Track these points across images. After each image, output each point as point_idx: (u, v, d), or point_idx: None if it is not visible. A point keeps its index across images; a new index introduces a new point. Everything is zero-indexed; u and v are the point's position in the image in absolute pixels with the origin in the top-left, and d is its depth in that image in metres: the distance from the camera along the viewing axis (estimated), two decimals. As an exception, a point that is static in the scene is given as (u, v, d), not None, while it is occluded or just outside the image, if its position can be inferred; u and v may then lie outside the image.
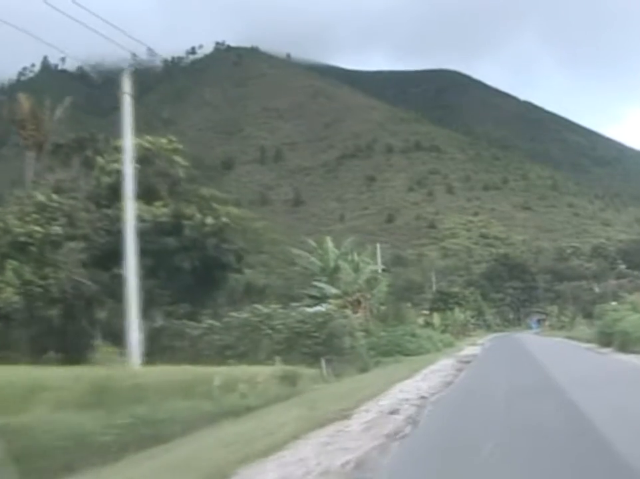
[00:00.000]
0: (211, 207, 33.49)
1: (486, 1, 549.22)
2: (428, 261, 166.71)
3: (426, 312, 79.57)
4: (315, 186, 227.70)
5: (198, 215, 32.12)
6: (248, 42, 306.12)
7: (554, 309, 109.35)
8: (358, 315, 42.50)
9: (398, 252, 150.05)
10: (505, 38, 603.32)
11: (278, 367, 23.46)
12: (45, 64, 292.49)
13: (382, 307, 45.79)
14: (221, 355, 30.91)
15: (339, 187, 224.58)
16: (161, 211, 31.06)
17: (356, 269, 44.03)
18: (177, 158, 33.80)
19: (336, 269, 44.07)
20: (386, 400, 17.89)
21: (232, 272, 35.15)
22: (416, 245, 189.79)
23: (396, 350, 40.49)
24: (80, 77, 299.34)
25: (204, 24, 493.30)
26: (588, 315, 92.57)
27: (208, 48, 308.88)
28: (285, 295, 44.09)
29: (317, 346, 30.25)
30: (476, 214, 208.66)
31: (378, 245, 59.83)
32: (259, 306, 31.90)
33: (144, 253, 31.84)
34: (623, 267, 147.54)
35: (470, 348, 49.59)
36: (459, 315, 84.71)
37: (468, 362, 33.72)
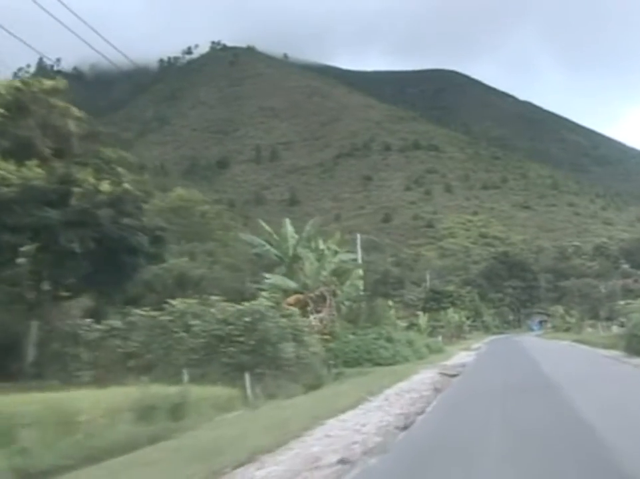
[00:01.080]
0: (114, 171, 24.77)
1: (484, 0, 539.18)
2: (425, 260, 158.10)
3: (419, 312, 70.88)
4: (310, 186, 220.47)
5: (91, 180, 23.40)
6: (245, 42, 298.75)
7: (558, 309, 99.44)
8: (322, 314, 33.83)
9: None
10: (504, 38, 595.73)
11: (143, 390, 14.79)
12: (41, 65, 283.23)
13: (354, 305, 37.23)
14: (124, 367, 22.66)
15: (335, 187, 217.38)
16: (35, 172, 22.32)
17: (321, 258, 35.38)
18: (64, 105, 25.04)
19: (295, 258, 35.43)
20: (280, 465, 9.59)
21: (147, 258, 26.37)
22: (413, 245, 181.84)
23: (366, 358, 32.02)
24: (76, 77, 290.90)
25: (201, 25, 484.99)
26: (595, 316, 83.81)
27: (204, 48, 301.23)
28: (234, 289, 35.24)
29: (243, 356, 21.71)
30: (475, 213, 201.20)
31: (358, 235, 50.90)
32: (173, 301, 23.21)
33: (13, 229, 23.17)
34: (626, 266, 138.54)
35: (461, 355, 41.00)
36: (453, 315, 75.61)
37: (454, 375, 25.24)
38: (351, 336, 33.33)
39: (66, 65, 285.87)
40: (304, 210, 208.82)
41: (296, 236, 36.24)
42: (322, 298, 34.43)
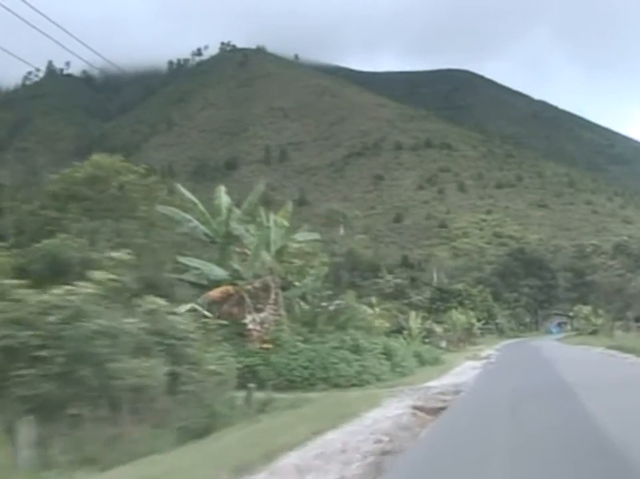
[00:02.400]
0: None
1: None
2: (436, 260, 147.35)
3: (426, 314, 60.43)
4: (320, 186, 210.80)
5: None
6: (255, 44, 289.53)
7: (581, 309, 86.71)
8: (264, 314, 23.63)
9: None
10: (517, 36, 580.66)
11: None
12: (50, 69, 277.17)
13: (315, 300, 27.15)
14: None
15: (345, 187, 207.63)
16: None
17: (265, 238, 25.27)
18: None
19: (230, 237, 25.31)
20: None
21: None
22: (426, 246, 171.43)
23: (320, 376, 21.86)
24: (86, 81, 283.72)
25: (212, 27, 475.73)
26: (622, 317, 72.75)
27: (214, 49, 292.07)
28: (146, 280, 25.05)
29: (47, 383, 11.64)
30: (489, 212, 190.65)
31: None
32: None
33: None
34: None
35: (464, 368, 30.79)
36: (459, 317, 64.63)
37: (438, 409, 15.01)
38: (301, 345, 23.16)
39: (76, 69, 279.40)
40: (314, 211, 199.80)
41: (236, 210, 26.08)
42: (265, 291, 24.25)
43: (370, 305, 40.80)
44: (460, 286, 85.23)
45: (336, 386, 21.56)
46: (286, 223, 27.37)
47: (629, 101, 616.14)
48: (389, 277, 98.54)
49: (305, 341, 23.40)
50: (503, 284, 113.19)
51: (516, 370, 27.13)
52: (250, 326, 23.18)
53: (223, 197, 26.29)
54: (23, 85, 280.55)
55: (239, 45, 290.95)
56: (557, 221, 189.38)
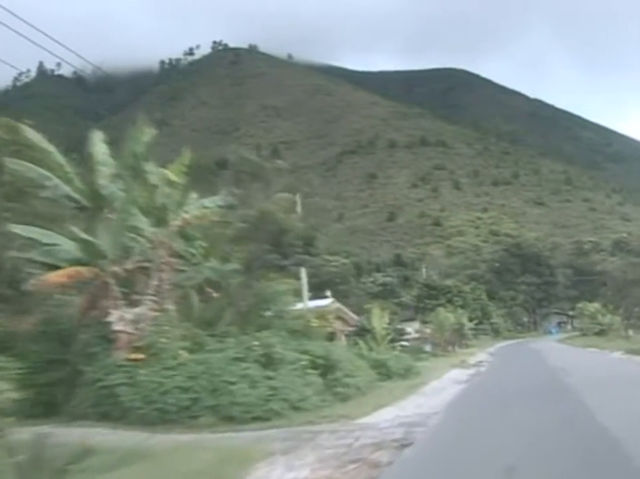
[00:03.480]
0: None
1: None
2: (430, 259, 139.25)
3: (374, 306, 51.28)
4: (312, 185, 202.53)
5: None
6: (248, 43, 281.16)
7: (586, 306, 76.76)
8: (139, 309, 15.45)
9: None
10: (514, 35, 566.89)
11: None
12: (41, 70, 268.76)
13: (215, 294, 19.20)
14: None
15: (338, 186, 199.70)
16: None
17: (148, 199, 17.30)
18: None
19: (98, 198, 17.22)
20: None
21: None
22: (420, 244, 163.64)
23: (206, 404, 13.66)
24: (77, 82, 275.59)
25: (204, 27, 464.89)
26: (629, 316, 64.26)
27: (206, 49, 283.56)
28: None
29: None
30: (485, 210, 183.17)
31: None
32: None
33: None
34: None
35: (444, 381, 22.64)
36: (447, 316, 55.50)
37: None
38: (185, 356, 15.09)
39: (67, 70, 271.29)
40: (304, 211, 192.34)
41: (111, 160, 17.98)
42: (144, 277, 16.19)
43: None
44: (449, 282, 76.53)
45: (230, 419, 13.58)
46: (175, 178, 19.41)
47: (626, 99, 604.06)
48: (378, 275, 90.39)
49: (194, 349, 15.44)
50: (498, 281, 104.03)
51: (514, 389, 18.83)
52: (117, 326, 15.16)
53: (97, 145, 18.22)
54: (14, 86, 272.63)
55: (232, 45, 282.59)
56: (554, 219, 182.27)
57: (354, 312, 40.95)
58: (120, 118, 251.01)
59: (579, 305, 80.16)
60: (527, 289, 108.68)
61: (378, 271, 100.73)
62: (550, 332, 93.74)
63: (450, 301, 64.83)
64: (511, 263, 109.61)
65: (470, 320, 64.82)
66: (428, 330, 54.29)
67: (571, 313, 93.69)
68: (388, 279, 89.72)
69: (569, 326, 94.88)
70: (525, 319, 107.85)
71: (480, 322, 72.72)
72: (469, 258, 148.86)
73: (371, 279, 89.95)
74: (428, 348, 40.14)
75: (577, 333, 74.65)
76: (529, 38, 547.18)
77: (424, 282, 76.57)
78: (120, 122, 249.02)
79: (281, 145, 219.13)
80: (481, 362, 35.10)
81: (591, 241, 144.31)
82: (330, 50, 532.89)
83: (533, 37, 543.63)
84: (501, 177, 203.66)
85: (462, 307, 64.55)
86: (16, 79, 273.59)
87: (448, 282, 76.80)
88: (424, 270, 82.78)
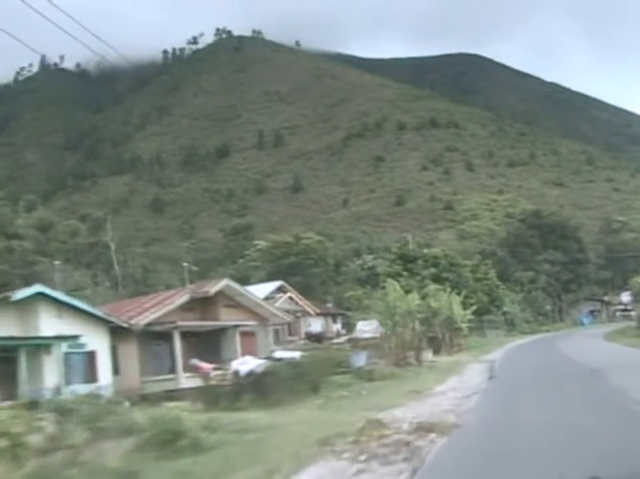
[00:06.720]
0: None
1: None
2: (439, 243, 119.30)
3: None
4: (316, 171, 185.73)
5: None
6: (252, 29, 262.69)
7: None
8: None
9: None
10: (527, 18, 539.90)
11: None
12: (43, 63, 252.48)
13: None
14: None
15: (343, 171, 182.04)
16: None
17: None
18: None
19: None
20: None
21: None
22: (430, 230, 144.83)
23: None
24: (80, 74, 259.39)
25: (208, 14, 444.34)
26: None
27: (209, 37, 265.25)
28: None
29: None
30: (500, 192, 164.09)
31: None
32: None
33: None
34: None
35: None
36: (402, 296, 30.89)
37: None
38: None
39: (70, 63, 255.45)
40: (309, 197, 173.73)
41: None
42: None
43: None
44: (436, 250, 55.09)
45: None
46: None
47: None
48: (368, 257, 70.94)
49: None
50: (513, 259, 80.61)
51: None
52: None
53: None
54: (15, 80, 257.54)
55: (236, 32, 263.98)
56: (575, 200, 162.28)
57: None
58: (120, 109, 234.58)
59: (634, 278, 57.48)
60: (551, 269, 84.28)
61: (370, 252, 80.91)
62: (582, 324, 71.69)
63: (437, 279, 43.79)
64: (530, 237, 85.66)
65: (467, 307, 42.95)
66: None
67: (606, 298, 72.84)
68: (379, 261, 69.72)
69: (603, 316, 74.32)
70: (549, 307, 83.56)
71: (487, 311, 51.36)
72: (483, 242, 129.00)
73: (359, 262, 70.43)
74: (360, 361, 21.03)
75: (623, 325, 52.56)
76: (544, 21, 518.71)
77: (397, 252, 54.27)
78: (121, 113, 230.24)
79: (284, 130, 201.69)
80: (468, 396, 13.68)
81: (618, 221, 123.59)
82: (337, 37, 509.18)
83: (547, 20, 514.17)
84: (518, 158, 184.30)
85: (456, 287, 42.84)
86: (18, 73, 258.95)
87: (435, 250, 55.56)
88: (410, 239, 62.64)
